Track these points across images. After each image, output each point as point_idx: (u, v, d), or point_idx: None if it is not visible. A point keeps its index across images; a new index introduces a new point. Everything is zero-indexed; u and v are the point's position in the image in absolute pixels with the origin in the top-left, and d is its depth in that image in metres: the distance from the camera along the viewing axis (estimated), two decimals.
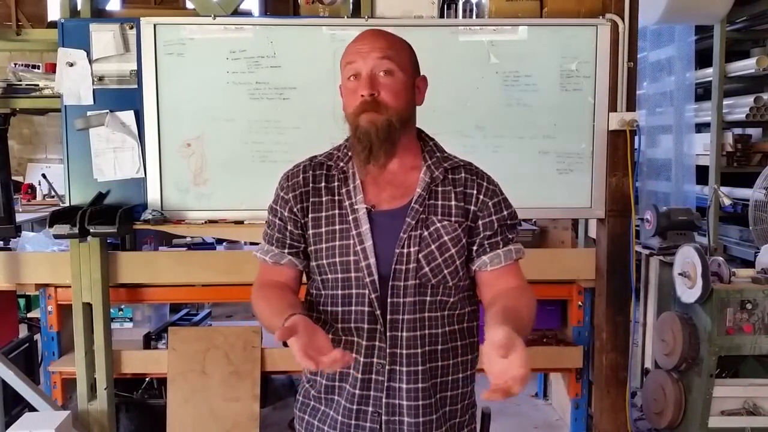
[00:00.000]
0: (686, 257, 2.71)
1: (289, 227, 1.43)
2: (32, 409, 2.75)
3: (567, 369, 3.19)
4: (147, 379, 3.24)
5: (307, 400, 1.48)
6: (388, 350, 1.36)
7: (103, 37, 2.80)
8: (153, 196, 2.85)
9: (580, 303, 3.11)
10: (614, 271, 2.95)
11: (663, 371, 2.81)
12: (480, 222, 1.41)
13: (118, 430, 3.09)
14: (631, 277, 2.96)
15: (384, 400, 1.37)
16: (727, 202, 3.22)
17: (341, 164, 1.44)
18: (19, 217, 4.17)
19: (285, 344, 1.18)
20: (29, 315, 3.83)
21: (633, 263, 2.96)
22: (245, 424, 2.98)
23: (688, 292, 2.67)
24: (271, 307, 1.36)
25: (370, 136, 1.35)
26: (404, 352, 1.36)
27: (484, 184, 1.43)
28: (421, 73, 1.46)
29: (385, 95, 1.36)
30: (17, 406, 2.95)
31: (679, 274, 2.73)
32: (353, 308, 1.38)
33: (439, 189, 1.41)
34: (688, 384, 2.71)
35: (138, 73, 2.82)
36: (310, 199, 1.43)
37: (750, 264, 3.11)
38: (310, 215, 1.42)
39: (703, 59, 4.28)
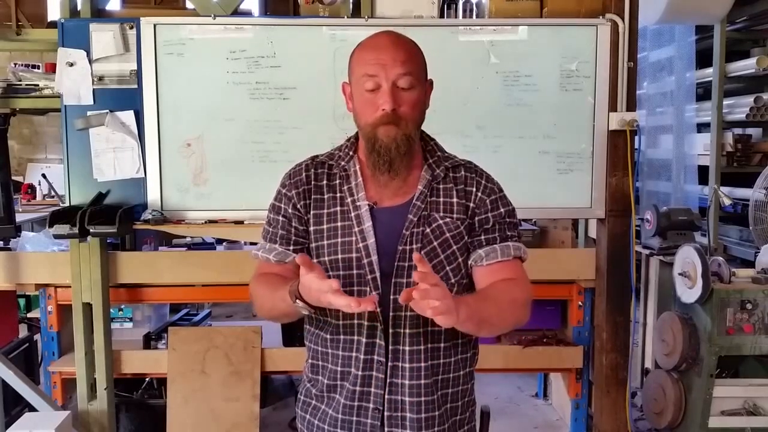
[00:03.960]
0: (686, 257, 2.71)
1: (294, 223, 1.44)
2: (32, 409, 2.74)
3: (567, 369, 3.19)
4: (147, 379, 3.24)
5: (309, 399, 1.48)
6: (390, 347, 1.37)
7: (103, 37, 2.80)
8: (153, 196, 2.85)
9: (580, 303, 3.11)
10: (614, 271, 2.95)
11: (663, 371, 2.80)
12: (477, 219, 1.42)
13: (118, 430, 3.09)
14: (631, 277, 2.96)
15: (386, 396, 1.37)
16: (727, 202, 3.21)
17: (342, 163, 1.45)
18: (19, 217, 4.16)
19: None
20: (29, 315, 3.83)
21: (633, 263, 2.96)
22: (245, 424, 2.97)
23: (688, 292, 2.67)
24: (273, 286, 1.36)
25: (390, 152, 1.35)
26: (407, 348, 1.37)
27: (483, 181, 1.45)
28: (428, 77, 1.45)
29: (405, 109, 1.36)
30: (17, 406, 2.95)
31: (679, 274, 2.73)
32: None
33: (441, 186, 1.43)
34: (688, 384, 2.71)
35: (138, 73, 2.82)
36: (312, 196, 1.43)
37: (750, 264, 3.11)
38: (312, 212, 1.43)
39: (703, 59, 4.27)
